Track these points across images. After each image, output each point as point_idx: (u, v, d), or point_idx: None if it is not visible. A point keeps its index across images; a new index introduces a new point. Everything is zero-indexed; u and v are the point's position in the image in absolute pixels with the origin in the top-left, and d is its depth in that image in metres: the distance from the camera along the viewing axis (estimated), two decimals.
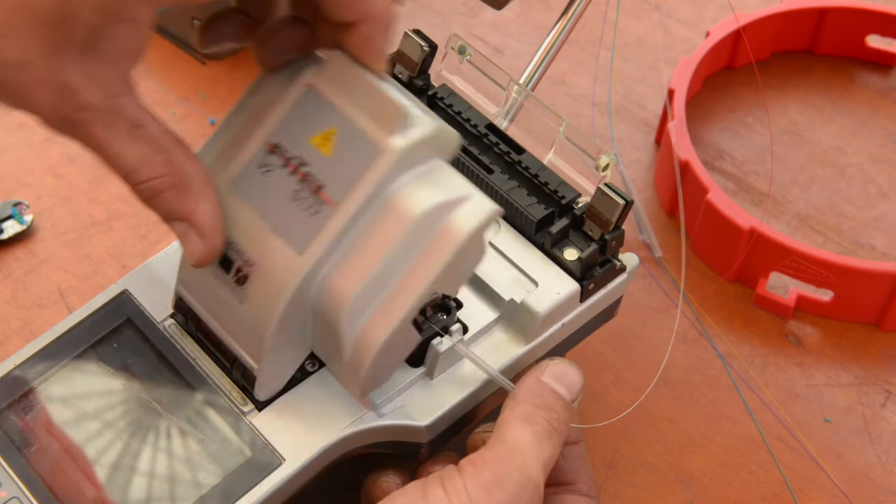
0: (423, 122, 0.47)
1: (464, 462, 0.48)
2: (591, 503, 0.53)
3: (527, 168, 0.59)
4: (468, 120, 0.60)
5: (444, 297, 0.55)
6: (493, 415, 0.52)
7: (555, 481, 0.52)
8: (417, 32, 0.62)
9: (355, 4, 0.46)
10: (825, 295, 0.74)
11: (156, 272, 0.55)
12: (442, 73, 0.63)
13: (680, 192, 0.75)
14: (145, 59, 0.85)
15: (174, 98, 0.83)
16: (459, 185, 0.49)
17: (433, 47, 0.62)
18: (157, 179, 0.46)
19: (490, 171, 0.59)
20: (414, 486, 0.48)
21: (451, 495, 0.46)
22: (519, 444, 0.48)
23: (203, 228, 0.47)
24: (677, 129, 0.77)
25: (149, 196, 0.46)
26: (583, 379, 0.52)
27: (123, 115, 0.44)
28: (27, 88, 0.43)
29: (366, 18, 0.46)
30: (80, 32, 0.42)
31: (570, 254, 0.57)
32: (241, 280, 0.48)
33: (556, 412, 0.50)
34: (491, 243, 0.58)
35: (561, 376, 0.52)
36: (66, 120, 0.44)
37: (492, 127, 0.60)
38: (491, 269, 0.57)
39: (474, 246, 0.49)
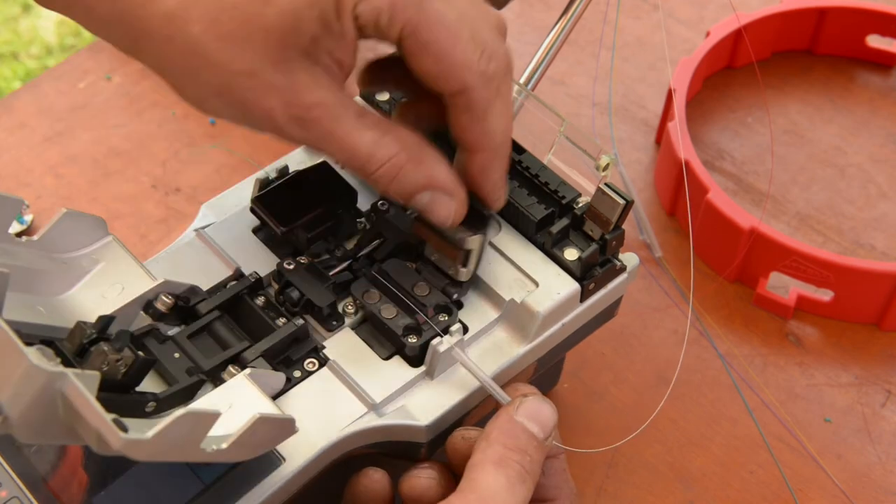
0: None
1: None
2: None
3: (527, 168, 0.58)
4: None
5: (445, 295, 0.55)
6: (494, 412, 0.52)
7: (536, 497, 0.51)
8: None
9: (476, 136, 0.51)
10: (825, 295, 0.73)
11: (155, 272, 0.55)
12: None
13: (687, 194, 0.75)
14: None
15: (175, 98, 0.83)
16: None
17: None
18: (393, 158, 0.49)
19: None
20: None
21: None
22: (491, 492, 0.47)
23: (448, 186, 0.51)
24: (677, 129, 0.77)
25: (391, 177, 0.50)
26: (556, 415, 0.51)
27: (349, 107, 0.48)
28: (258, 95, 0.46)
29: (483, 148, 0.51)
30: (304, 41, 0.46)
31: (571, 254, 0.57)
32: None
33: (528, 454, 0.49)
34: (491, 243, 0.58)
35: (534, 414, 0.50)
36: (298, 119, 0.47)
37: None
38: (491, 269, 0.57)
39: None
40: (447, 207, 0.52)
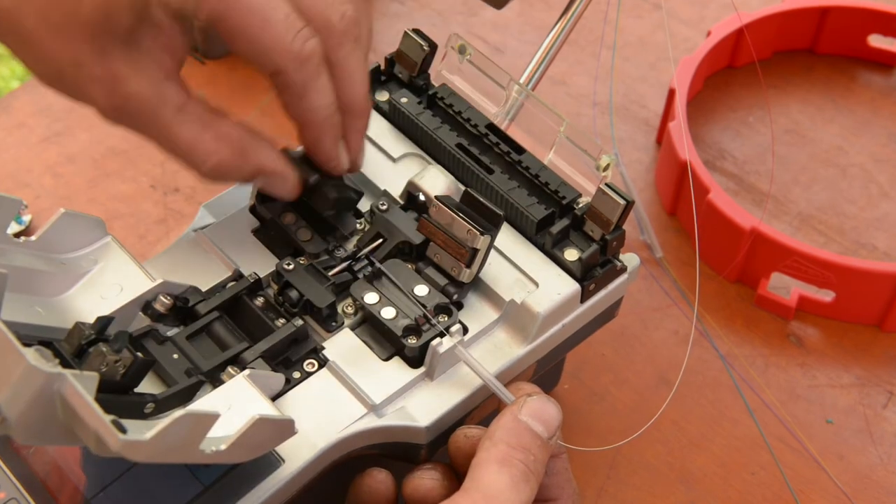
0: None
1: None
2: None
3: (527, 168, 0.59)
4: (468, 120, 0.60)
5: (445, 296, 0.55)
6: (493, 416, 0.52)
7: (539, 497, 0.51)
8: (417, 32, 0.62)
9: (297, 113, 0.52)
10: (827, 295, 0.73)
11: (154, 273, 0.55)
12: (442, 72, 0.63)
13: (693, 198, 0.75)
14: None
15: None
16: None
17: (433, 47, 0.62)
18: (215, 155, 0.50)
19: (490, 172, 0.59)
20: None
21: None
22: (495, 490, 0.47)
23: (277, 170, 0.53)
24: (678, 128, 0.77)
25: (218, 174, 0.51)
26: (561, 415, 0.51)
27: (168, 100, 0.49)
28: (83, 84, 0.48)
29: (307, 124, 0.52)
30: (121, 31, 0.47)
31: (571, 254, 0.57)
32: None
33: (532, 453, 0.49)
34: None
35: (539, 413, 0.50)
36: (118, 109, 0.49)
37: (492, 127, 0.60)
38: (491, 270, 0.57)
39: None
40: (281, 187, 0.54)
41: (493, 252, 0.57)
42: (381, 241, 0.57)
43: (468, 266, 0.55)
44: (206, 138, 0.50)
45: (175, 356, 0.52)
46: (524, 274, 0.57)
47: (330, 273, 0.56)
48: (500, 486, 0.47)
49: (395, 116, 0.62)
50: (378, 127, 0.62)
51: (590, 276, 0.57)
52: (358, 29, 0.52)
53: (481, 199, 0.54)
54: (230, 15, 0.48)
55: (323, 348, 0.54)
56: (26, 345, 0.40)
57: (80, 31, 0.47)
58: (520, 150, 0.59)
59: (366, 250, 0.57)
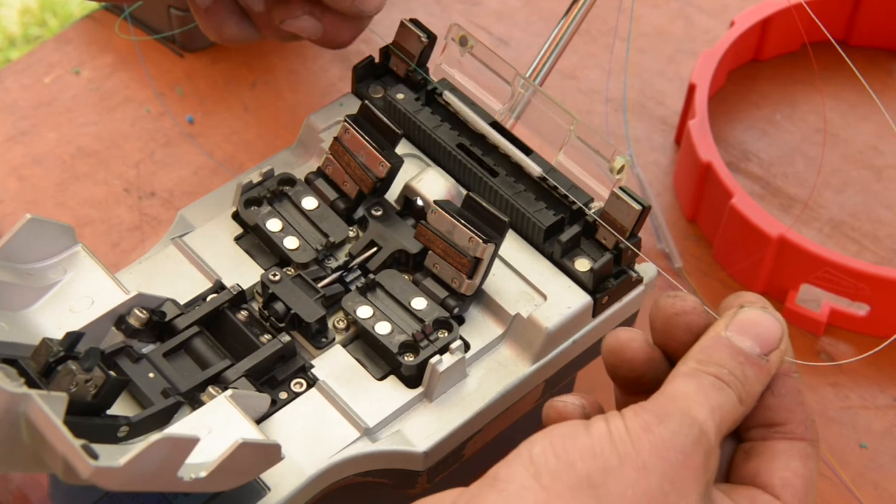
0: None
1: (625, 409, 0.47)
2: (808, 448, 0.50)
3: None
4: (470, 118, 0.60)
5: (445, 309, 0.55)
6: (500, 438, 0.52)
7: (762, 422, 0.50)
8: (415, 22, 0.62)
9: None
10: (860, 309, 0.74)
11: (128, 284, 0.55)
12: (441, 66, 0.63)
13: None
14: (120, 51, 0.85)
15: (150, 94, 0.83)
16: None
17: (432, 38, 0.62)
18: None
19: (494, 174, 0.59)
20: (577, 421, 0.48)
21: (612, 431, 0.46)
22: (680, 393, 0.47)
23: None
24: (699, 127, 0.77)
25: None
26: (783, 329, 0.50)
27: None
28: None
29: None
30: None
31: (582, 264, 0.57)
32: None
33: (726, 367, 0.48)
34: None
35: (747, 327, 0.49)
36: None
37: (496, 125, 0.60)
38: (495, 281, 0.57)
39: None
40: None
41: (497, 262, 0.57)
42: (375, 249, 0.57)
43: (470, 277, 0.55)
44: None
45: (151, 375, 0.52)
46: (531, 286, 0.57)
47: (319, 285, 0.56)
48: (686, 390, 0.48)
49: (390, 114, 0.62)
50: None
51: (602, 287, 0.57)
52: None
53: (484, 205, 0.55)
54: None
55: (312, 366, 0.55)
56: None
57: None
58: (527, 150, 0.59)
59: (358, 260, 0.57)
